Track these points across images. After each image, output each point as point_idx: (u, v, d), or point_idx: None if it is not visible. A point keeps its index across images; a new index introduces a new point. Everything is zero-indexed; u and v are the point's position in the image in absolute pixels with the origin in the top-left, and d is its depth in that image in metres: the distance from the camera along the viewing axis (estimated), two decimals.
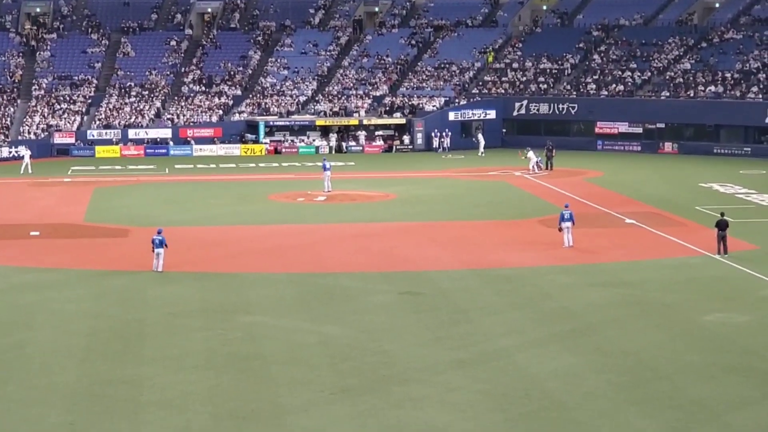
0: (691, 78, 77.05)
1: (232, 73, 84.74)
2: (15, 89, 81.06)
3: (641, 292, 32.34)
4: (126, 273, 35.43)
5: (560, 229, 39.54)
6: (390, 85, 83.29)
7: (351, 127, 78.62)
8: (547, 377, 23.75)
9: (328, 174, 55.28)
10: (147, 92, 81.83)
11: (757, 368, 24.50)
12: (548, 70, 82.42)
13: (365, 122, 78.41)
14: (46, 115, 78.32)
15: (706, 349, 26.05)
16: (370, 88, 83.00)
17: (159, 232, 35.84)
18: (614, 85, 78.76)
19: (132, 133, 76.83)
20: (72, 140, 75.80)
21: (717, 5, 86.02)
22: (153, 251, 35.38)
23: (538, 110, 78.49)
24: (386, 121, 78.84)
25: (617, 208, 49.04)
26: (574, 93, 79.22)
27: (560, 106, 78.09)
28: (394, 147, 77.33)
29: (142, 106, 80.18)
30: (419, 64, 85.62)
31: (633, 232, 43.35)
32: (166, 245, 35.27)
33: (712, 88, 75.25)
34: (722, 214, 38.65)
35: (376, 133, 78.54)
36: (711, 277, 34.60)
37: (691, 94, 75.54)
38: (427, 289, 32.82)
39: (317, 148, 76.35)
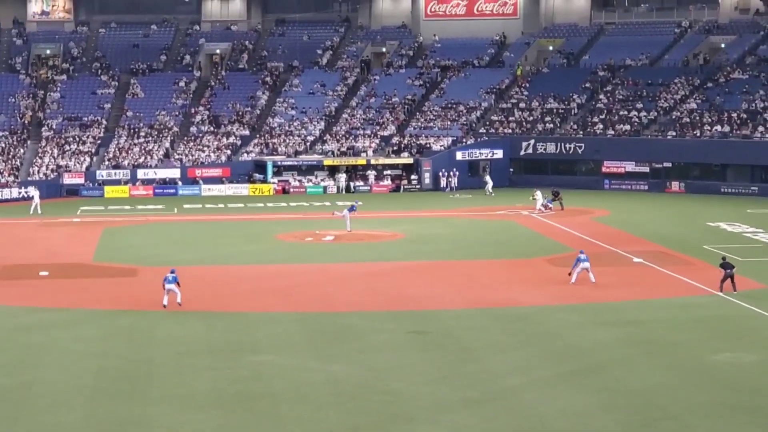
0: (698, 117, 77.29)
1: (240, 113, 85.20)
2: (25, 130, 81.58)
3: (649, 331, 32.29)
4: (134, 312, 35.49)
5: (570, 274, 39.71)
6: (398, 124, 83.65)
7: (359, 166, 78.92)
8: (556, 416, 23.71)
9: (348, 213, 55.39)
10: (156, 132, 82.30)
11: (765, 407, 24.45)
12: (555, 110, 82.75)
13: (373, 162, 78.68)
14: (55, 155, 78.72)
15: (714, 389, 26.00)
16: (378, 127, 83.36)
17: (172, 272, 36.06)
18: (621, 125, 79.01)
19: (141, 173, 77.14)
20: (81, 180, 76.12)
21: (723, 45, 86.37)
22: (164, 287, 35.54)
23: (545, 150, 78.71)
24: (394, 160, 79.12)
25: (625, 247, 49.05)
26: (581, 132, 79.48)
27: (567, 145, 78.31)
28: (402, 186, 77.54)
29: (151, 147, 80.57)
30: (426, 104, 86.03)
31: (641, 271, 43.34)
32: (178, 283, 35.56)
33: (719, 127, 75.45)
34: (723, 259, 38.84)
35: (384, 172, 78.80)
36: (719, 316, 34.54)
37: (698, 134, 75.75)
38: (434, 328, 32.83)
39: (325, 187, 76.60)
